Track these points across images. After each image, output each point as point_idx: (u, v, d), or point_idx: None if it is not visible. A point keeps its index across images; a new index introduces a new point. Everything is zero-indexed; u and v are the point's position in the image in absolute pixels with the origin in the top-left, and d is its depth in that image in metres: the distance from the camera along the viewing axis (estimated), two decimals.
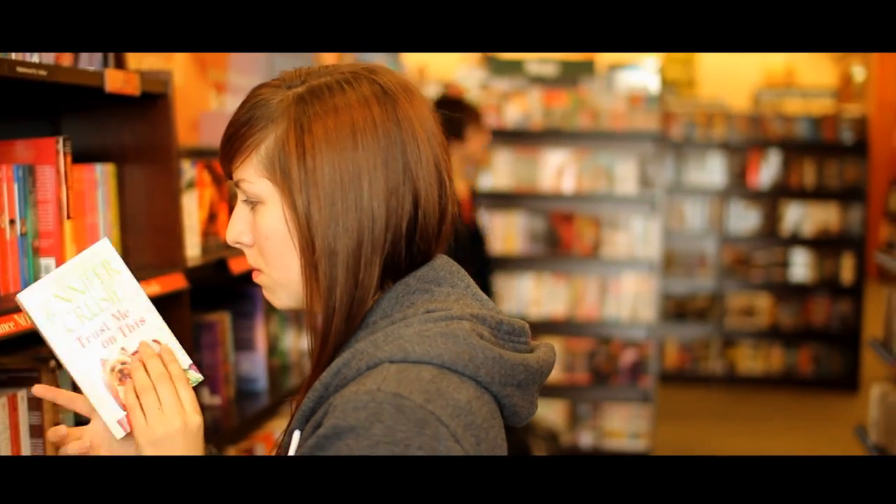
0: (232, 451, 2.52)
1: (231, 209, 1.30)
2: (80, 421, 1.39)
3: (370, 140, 1.19)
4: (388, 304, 1.22)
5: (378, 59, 3.92)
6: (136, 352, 1.28)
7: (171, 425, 1.24)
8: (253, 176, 1.21)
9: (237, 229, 1.26)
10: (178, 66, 2.59)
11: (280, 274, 1.24)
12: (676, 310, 7.76)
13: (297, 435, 1.20)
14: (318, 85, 1.21)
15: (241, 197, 1.26)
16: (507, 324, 1.23)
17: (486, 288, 4.46)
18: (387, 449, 1.06)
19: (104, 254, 1.28)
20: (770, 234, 7.64)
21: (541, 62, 5.66)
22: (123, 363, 1.27)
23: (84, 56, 1.93)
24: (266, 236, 1.23)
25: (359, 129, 1.18)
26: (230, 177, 1.27)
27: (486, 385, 1.18)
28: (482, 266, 4.47)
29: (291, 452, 1.19)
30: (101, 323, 1.26)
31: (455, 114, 3.14)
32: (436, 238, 1.26)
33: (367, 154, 1.18)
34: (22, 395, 1.76)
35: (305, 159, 1.18)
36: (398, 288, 1.23)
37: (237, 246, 1.27)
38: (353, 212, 1.18)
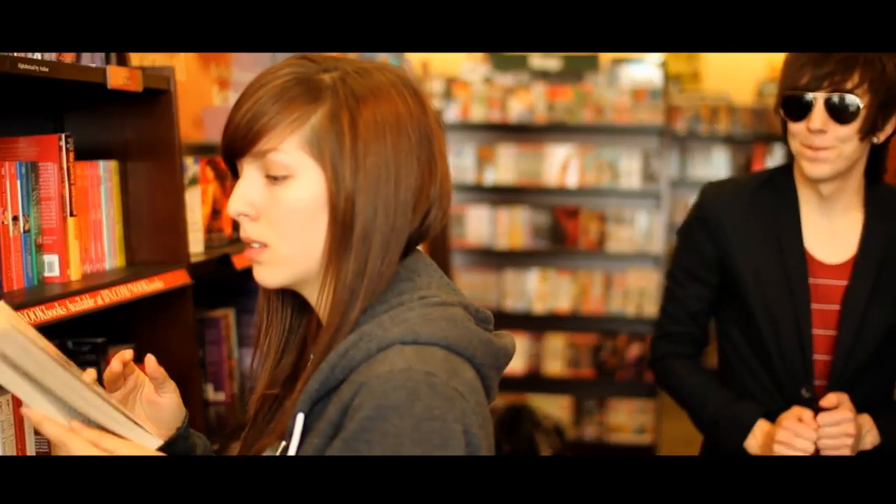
0: (236, 447, 2.52)
1: None
2: None
3: (411, 132, 1.21)
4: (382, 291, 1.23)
5: (381, 54, 3.91)
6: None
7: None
8: (290, 148, 1.19)
9: (247, 199, 1.22)
10: (180, 62, 2.59)
11: (292, 250, 1.22)
12: None
13: (300, 418, 1.20)
14: (354, 69, 1.22)
15: (255, 168, 1.22)
16: (482, 312, 1.27)
17: None
18: (429, 425, 1.10)
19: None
20: None
21: (544, 57, 5.66)
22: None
23: (86, 52, 1.92)
24: (292, 210, 1.20)
25: (402, 119, 1.21)
26: (247, 150, 1.21)
27: (478, 367, 1.21)
28: None
29: (296, 436, 1.20)
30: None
31: None
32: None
33: (407, 147, 1.21)
34: None
35: (357, 143, 1.19)
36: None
37: (239, 218, 1.23)
38: (391, 200, 1.20)
